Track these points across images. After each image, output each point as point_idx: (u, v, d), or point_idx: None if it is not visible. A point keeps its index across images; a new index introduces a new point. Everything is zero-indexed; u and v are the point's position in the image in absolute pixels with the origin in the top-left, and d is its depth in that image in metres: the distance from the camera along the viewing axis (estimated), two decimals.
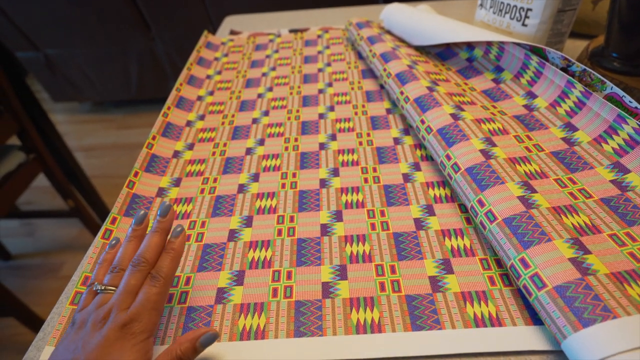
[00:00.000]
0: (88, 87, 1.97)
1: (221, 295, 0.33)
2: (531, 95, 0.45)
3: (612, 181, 0.35)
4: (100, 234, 0.38)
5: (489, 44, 0.52)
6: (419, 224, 0.37)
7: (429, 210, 0.38)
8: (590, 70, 0.40)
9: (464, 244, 0.35)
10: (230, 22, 0.83)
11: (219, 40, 0.73)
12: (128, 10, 1.62)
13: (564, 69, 0.43)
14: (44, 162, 1.14)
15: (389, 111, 0.52)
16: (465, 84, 0.51)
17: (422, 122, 0.44)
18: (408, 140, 0.47)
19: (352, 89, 0.57)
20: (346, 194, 0.41)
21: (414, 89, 0.48)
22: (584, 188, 0.35)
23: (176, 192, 0.43)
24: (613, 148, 0.36)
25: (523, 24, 0.54)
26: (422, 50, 0.60)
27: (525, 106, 0.45)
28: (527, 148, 0.39)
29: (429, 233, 0.36)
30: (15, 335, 1.20)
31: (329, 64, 0.63)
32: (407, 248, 0.35)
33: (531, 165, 0.37)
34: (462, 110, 0.43)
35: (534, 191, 0.34)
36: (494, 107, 0.46)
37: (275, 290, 0.33)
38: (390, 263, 0.34)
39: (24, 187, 1.08)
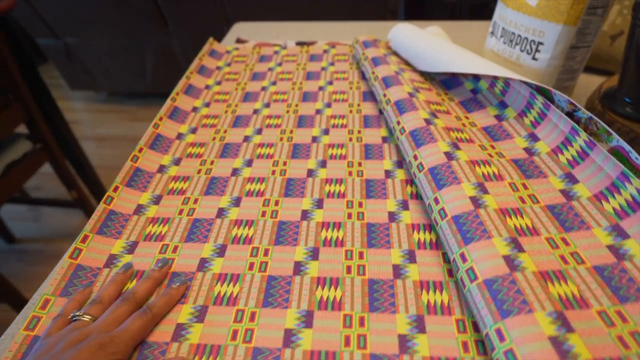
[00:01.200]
0: (104, 77, 1.98)
1: (179, 332, 0.32)
2: (533, 138, 0.43)
3: (609, 246, 0.32)
4: (68, 253, 0.37)
5: (495, 77, 0.49)
6: (397, 271, 0.35)
7: (410, 257, 0.36)
8: (597, 119, 0.38)
9: (442, 300, 0.33)
10: (239, 29, 0.82)
11: (223, 49, 0.72)
12: (147, 4, 1.63)
13: (570, 114, 0.41)
14: (50, 152, 1.15)
15: (384, 140, 0.50)
16: (467, 117, 0.49)
17: (415, 157, 0.42)
18: (400, 175, 0.45)
19: (351, 111, 0.55)
20: (327, 230, 0.39)
21: (411, 119, 0.46)
22: (577, 252, 0.32)
23: (154, 211, 0.42)
24: (614, 208, 0.34)
25: (533, 58, 0.51)
26: (427, 76, 0.58)
27: (526, 149, 0.42)
28: (521, 198, 0.37)
29: (406, 283, 0.34)
30: (5, 320, 1.21)
31: (330, 82, 0.61)
32: (381, 298, 0.33)
33: (523, 219, 0.35)
34: (458, 149, 0.41)
35: (522, 250, 0.31)
36: (493, 147, 0.43)
37: (235, 332, 0.32)
38: (360, 314, 0.32)
39: (28, 176, 1.09)
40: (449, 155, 0.40)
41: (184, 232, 0.40)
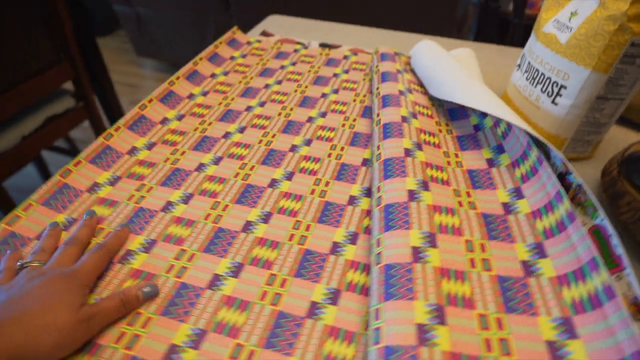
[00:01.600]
0: (167, 48, 2.07)
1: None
2: (518, 194, 0.37)
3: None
4: (60, 171, 0.41)
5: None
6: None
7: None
8: (587, 189, 0.32)
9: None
10: (271, 21, 0.80)
11: (245, 39, 0.71)
12: None
13: (561, 175, 0.35)
14: (91, 111, 1.21)
15: (364, 162, 0.46)
16: (456, 155, 0.44)
17: (378, 189, 0.38)
18: (363, 204, 0.41)
19: (343, 125, 0.52)
20: (262, 246, 0.37)
21: (391, 147, 0.42)
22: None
23: (106, 192, 0.42)
24: (572, 299, 0.28)
25: (553, 102, 0.45)
26: (435, 101, 0.53)
27: (505, 205, 0.37)
28: (471, 261, 0.32)
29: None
30: None
31: (336, 91, 0.58)
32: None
33: (463, 285, 0.30)
34: (426, 189, 0.37)
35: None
36: (468, 194, 0.38)
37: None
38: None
39: (67, 131, 1.16)
40: (412, 195, 0.36)
41: (124, 219, 0.39)
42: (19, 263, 0.31)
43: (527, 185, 0.37)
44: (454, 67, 0.51)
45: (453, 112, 0.50)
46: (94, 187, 0.42)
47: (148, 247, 0.37)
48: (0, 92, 0.94)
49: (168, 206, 0.40)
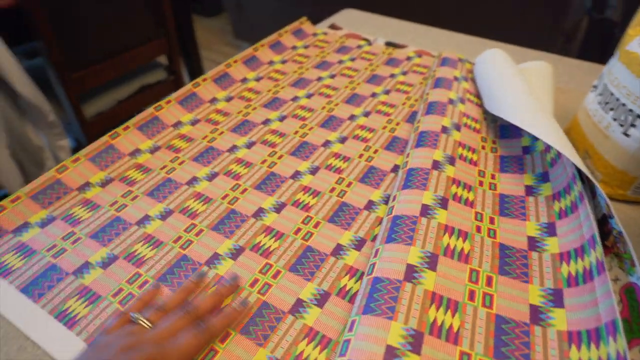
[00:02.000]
0: (262, 34, 2.16)
1: None
2: (550, 230, 0.33)
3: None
4: (56, 167, 0.42)
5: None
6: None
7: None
8: (627, 239, 0.27)
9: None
10: (345, 15, 0.79)
11: (311, 30, 0.71)
12: None
13: (603, 218, 0.30)
14: (179, 84, 1.31)
15: (395, 169, 0.44)
16: (492, 176, 0.40)
17: (394, 198, 0.36)
18: (379, 211, 0.39)
19: (384, 128, 0.50)
20: (267, 234, 0.37)
21: (419, 157, 0.39)
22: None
23: (145, 159, 0.45)
24: (569, 272, 0.26)
25: (625, 133, 0.39)
26: (488, 115, 0.49)
27: (531, 240, 0.33)
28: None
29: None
30: None
31: (387, 92, 0.56)
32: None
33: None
34: (443, 207, 0.34)
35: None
36: (492, 220, 0.35)
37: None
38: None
39: (154, 100, 1.26)
40: (425, 210, 0.33)
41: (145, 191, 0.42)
42: (133, 315, 0.30)
43: (563, 222, 0.33)
44: (516, 82, 0.46)
45: (505, 130, 0.46)
46: (134, 153, 0.45)
47: (165, 216, 0.39)
48: (102, 59, 1.06)
49: (193, 181, 0.42)
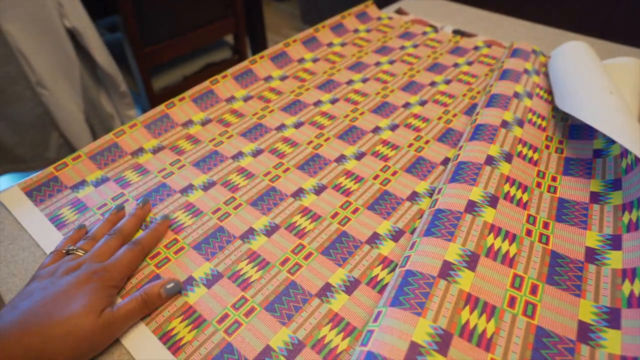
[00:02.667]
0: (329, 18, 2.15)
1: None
2: (614, 243, 0.29)
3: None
4: (115, 130, 0.44)
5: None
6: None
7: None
8: None
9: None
10: (414, 1, 0.76)
11: (376, 14, 0.69)
12: None
13: None
14: None
15: (445, 161, 0.41)
16: (553, 178, 0.36)
17: (439, 191, 0.34)
18: (423, 204, 0.37)
19: (440, 118, 0.47)
20: (303, 215, 0.36)
21: (473, 150, 0.37)
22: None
23: (195, 130, 0.46)
24: (631, 292, 0.25)
25: None
26: (559, 113, 0.44)
27: (590, 251, 0.29)
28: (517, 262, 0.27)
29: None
30: None
31: (448, 81, 0.53)
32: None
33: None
34: (492, 206, 0.32)
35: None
36: (546, 226, 0.32)
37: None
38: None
39: None
40: (472, 207, 0.31)
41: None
42: (68, 247, 0.32)
43: (631, 235, 0.29)
44: (595, 78, 0.41)
45: (576, 130, 0.41)
46: (187, 124, 0.47)
47: (207, 187, 0.39)
48: (174, 36, 1.11)
49: (238, 155, 0.43)
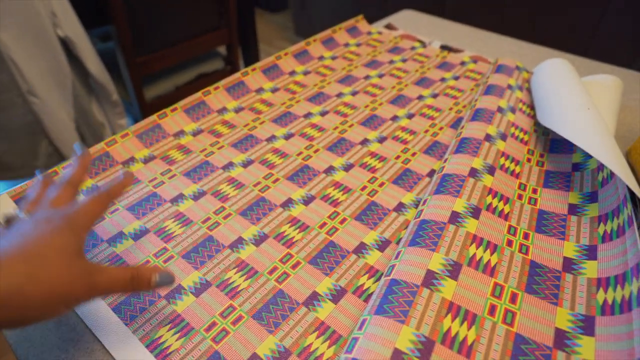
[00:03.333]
0: (322, 30, 2.18)
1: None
2: (590, 254, 0.30)
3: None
4: (158, 113, 0.46)
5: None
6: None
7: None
8: None
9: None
10: (404, 16, 0.78)
11: (366, 29, 0.71)
12: None
13: None
14: None
15: (431, 173, 0.42)
16: (534, 190, 0.37)
17: (424, 202, 0.35)
18: (409, 214, 0.38)
19: (426, 131, 0.48)
20: (292, 225, 0.37)
21: (457, 162, 0.38)
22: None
23: (187, 140, 0.47)
24: (604, 300, 0.26)
25: None
26: (540, 127, 0.46)
27: (567, 261, 0.31)
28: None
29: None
30: None
31: (435, 95, 0.54)
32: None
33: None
34: (474, 217, 0.33)
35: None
36: (526, 236, 0.33)
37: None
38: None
39: None
40: (455, 218, 0.32)
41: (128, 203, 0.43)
42: (17, 213, 0.28)
43: (606, 246, 0.30)
44: (574, 95, 0.43)
45: (556, 144, 0.43)
46: (178, 134, 0.47)
47: (197, 196, 0.40)
48: (167, 46, 1.12)
49: (229, 166, 0.43)
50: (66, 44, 0.92)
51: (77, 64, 0.97)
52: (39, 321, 0.23)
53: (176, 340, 0.29)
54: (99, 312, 0.31)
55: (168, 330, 0.29)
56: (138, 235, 0.36)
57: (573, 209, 0.35)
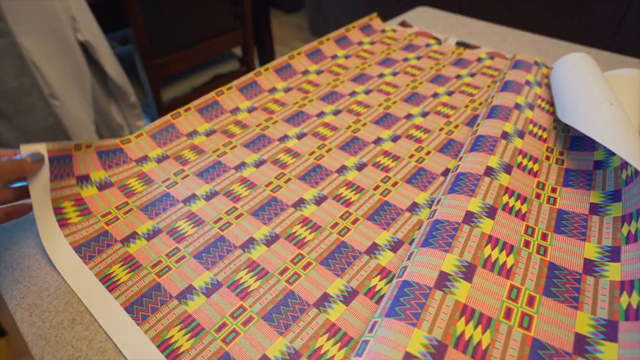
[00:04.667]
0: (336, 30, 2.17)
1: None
2: (613, 255, 0.29)
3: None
4: (172, 113, 0.45)
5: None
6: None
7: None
8: None
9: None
10: (419, 13, 0.77)
11: (380, 27, 0.70)
12: None
13: None
14: None
15: (445, 172, 0.41)
16: (553, 189, 0.36)
17: (438, 202, 0.34)
18: (422, 214, 0.37)
19: (441, 129, 0.47)
20: (303, 225, 0.37)
21: (472, 161, 0.37)
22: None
23: (199, 141, 0.47)
24: (629, 304, 0.25)
25: None
26: (560, 124, 0.44)
27: (588, 262, 0.29)
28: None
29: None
30: None
31: (450, 93, 0.53)
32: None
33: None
34: (490, 217, 0.32)
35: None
36: (544, 237, 0.32)
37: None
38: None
39: None
40: (470, 218, 0.31)
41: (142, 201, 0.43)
42: None
43: (630, 247, 0.29)
44: (597, 90, 0.41)
45: (577, 141, 0.41)
46: (192, 134, 0.47)
47: (209, 197, 0.40)
48: (183, 48, 1.13)
49: (241, 166, 0.43)
50: (86, 48, 0.94)
51: (97, 67, 0.99)
52: None
53: (187, 341, 0.29)
54: (112, 312, 0.31)
55: (179, 331, 0.29)
56: (151, 235, 0.36)
57: (595, 209, 0.33)
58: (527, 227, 0.32)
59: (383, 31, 0.69)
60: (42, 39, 0.84)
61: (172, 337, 0.29)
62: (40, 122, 0.91)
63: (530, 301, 0.27)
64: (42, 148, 0.35)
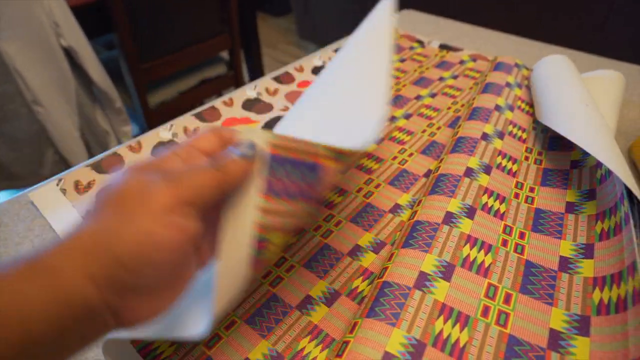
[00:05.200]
0: (327, 34, 2.18)
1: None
2: (587, 252, 0.30)
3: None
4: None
5: None
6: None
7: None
8: None
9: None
10: (404, 16, 0.78)
11: None
12: None
13: None
14: (238, 80, 1.35)
15: (428, 173, 0.42)
16: (531, 189, 0.37)
17: (419, 203, 0.35)
18: (404, 215, 0.38)
19: (424, 131, 0.48)
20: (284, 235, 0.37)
21: (453, 162, 0.37)
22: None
23: None
24: (600, 300, 0.26)
25: None
26: (539, 125, 0.45)
27: (563, 260, 0.30)
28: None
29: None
30: None
31: (433, 95, 0.54)
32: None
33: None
34: (469, 217, 0.32)
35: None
36: (521, 236, 0.32)
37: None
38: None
39: (213, 94, 1.32)
40: (449, 218, 0.32)
41: None
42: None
43: (603, 244, 0.29)
44: (573, 92, 0.42)
45: (554, 142, 0.42)
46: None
47: None
48: (170, 52, 1.13)
49: None
50: (69, 53, 0.93)
51: (81, 73, 0.98)
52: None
53: (169, 347, 0.29)
54: None
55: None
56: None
57: (571, 207, 0.34)
58: (505, 226, 0.33)
59: None
60: (24, 45, 0.84)
61: (153, 342, 0.29)
62: (24, 129, 0.90)
63: (507, 299, 0.28)
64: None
